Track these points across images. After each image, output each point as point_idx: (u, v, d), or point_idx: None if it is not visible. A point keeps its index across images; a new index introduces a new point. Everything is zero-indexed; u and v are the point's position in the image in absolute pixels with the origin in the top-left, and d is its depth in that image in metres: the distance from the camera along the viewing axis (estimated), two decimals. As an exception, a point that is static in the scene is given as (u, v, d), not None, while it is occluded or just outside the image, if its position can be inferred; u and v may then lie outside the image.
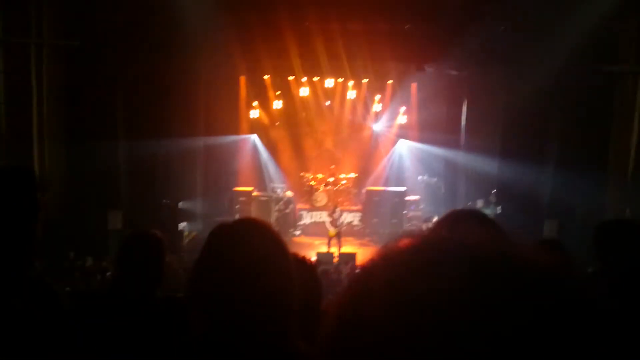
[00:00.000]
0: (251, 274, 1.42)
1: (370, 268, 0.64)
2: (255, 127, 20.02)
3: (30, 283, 2.35)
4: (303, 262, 2.32)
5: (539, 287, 0.56)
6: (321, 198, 18.81)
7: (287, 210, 18.24)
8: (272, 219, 16.82)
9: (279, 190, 19.02)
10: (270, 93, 19.39)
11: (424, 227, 15.95)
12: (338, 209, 16.20)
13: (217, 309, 1.43)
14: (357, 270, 0.66)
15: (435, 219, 15.89)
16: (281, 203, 18.28)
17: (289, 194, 18.95)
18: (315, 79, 18.65)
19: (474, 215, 1.71)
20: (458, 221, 1.63)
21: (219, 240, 1.50)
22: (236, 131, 19.40)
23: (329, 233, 15.96)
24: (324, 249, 15.58)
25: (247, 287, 1.41)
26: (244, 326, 1.43)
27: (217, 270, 1.44)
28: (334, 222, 15.97)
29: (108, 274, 10.95)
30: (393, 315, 0.57)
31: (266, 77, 18.69)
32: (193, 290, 1.47)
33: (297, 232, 17.80)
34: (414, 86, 19.40)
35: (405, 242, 0.64)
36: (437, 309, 0.55)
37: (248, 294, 1.41)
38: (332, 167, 19.38)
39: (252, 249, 1.46)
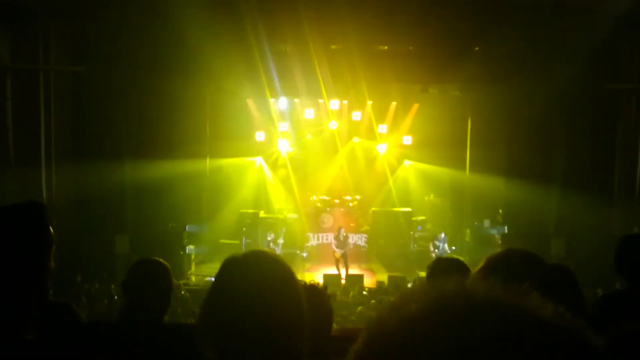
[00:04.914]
0: (262, 304, 1.46)
1: (384, 334, 0.58)
2: (261, 149, 20.05)
3: (50, 312, 2.35)
4: (314, 288, 2.33)
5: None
6: (327, 220, 18.79)
7: (294, 232, 18.21)
8: (279, 240, 16.75)
9: (285, 212, 19.02)
10: (276, 115, 19.41)
11: (431, 247, 15.91)
12: (342, 230, 16.11)
13: (229, 339, 1.45)
14: (365, 341, 0.59)
15: (440, 238, 15.83)
16: (287, 225, 18.25)
17: (295, 215, 18.93)
18: (320, 101, 18.67)
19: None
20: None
21: (230, 272, 1.54)
22: (242, 153, 19.44)
23: (335, 255, 15.89)
24: (331, 270, 15.51)
25: (258, 318, 1.44)
26: (256, 356, 1.45)
27: (228, 302, 1.48)
28: (340, 244, 15.89)
29: (115, 297, 10.96)
30: None
31: (272, 100, 18.66)
32: (205, 321, 1.50)
33: (304, 254, 17.76)
34: (418, 107, 19.43)
35: (418, 300, 0.58)
36: None
37: (259, 324, 1.44)
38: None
39: (263, 280, 1.50)
